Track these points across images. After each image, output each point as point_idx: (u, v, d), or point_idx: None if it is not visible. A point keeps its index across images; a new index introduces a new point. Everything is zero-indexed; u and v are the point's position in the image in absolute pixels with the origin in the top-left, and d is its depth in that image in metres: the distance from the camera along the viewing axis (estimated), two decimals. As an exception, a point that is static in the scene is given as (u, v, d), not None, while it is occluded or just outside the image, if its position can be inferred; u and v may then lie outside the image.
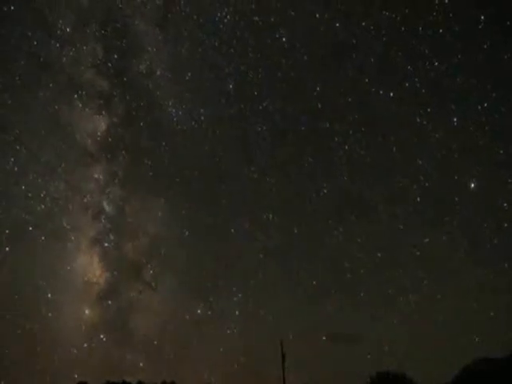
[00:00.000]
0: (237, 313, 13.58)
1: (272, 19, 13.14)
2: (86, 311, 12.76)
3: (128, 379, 11.96)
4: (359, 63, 13.89)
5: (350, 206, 14.33)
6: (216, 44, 12.55)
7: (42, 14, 10.95)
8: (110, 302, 12.90)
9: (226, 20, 12.63)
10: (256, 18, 13.02)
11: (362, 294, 13.62)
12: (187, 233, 13.36)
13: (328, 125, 14.14)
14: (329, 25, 13.65)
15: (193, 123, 12.89)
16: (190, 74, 12.49)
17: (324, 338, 12.16)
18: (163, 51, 12.13)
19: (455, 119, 13.75)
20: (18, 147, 11.36)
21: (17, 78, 10.99)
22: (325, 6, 13.47)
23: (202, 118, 12.94)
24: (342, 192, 14.38)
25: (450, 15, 14.00)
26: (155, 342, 13.11)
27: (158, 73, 12.24)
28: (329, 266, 14.12)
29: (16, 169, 11.35)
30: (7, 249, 11.61)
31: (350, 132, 14.29)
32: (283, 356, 8.58)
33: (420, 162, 14.34)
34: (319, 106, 14.00)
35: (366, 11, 13.59)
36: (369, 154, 14.19)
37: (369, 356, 12.50)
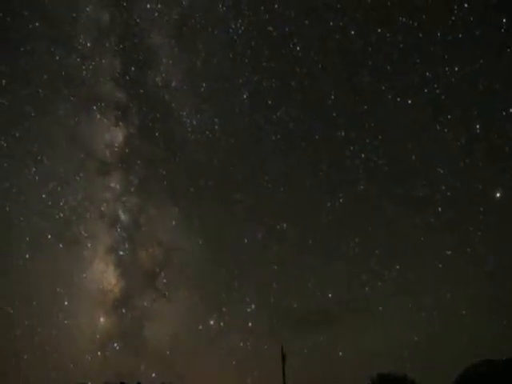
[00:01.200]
0: (250, 324, 13.28)
1: (286, 29, 13.17)
2: (101, 319, 12.85)
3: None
4: (375, 70, 13.62)
5: (367, 216, 13.84)
6: (230, 55, 12.67)
7: (64, 30, 11.42)
8: (124, 311, 12.95)
9: (240, 31, 12.76)
10: (270, 29, 13.08)
11: (380, 308, 13.00)
12: (200, 242, 13.30)
13: (343, 133, 13.87)
14: (344, 33, 13.52)
15: (207, 133, 12.97)
16: (204, 85, 12.63)
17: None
18: (179, 63, 12.37)
19: (478, 126, 13.16)
20: (39, 157, 11.76)
21: (40, 91, 11.44)
22: (339, 14, 13.39)
23: (216, 127, 13.02)
24: (359, 202, 13.96)
25: (471, 19, 13.55)
26: (168, 353, 13.00)
27: (174, 84, 12.45)
28: (345, 278, 13.62)
29: (37, 178, 11.73)
30: (27, 255, 11.91)
31: (367, 140, 13.94)
32: (283, 357, 8.50)
33: (441, 171, 13.76)
34: (334, 114, 13.79)
35: (382, 18, 13.39)
36: (386, 162, 13.76)
37: (370, 357, 11.99)
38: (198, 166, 13.04)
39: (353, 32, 13.51)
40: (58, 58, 11.41)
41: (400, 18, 13.47)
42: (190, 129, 12.76)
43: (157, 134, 12.49)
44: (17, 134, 11.28)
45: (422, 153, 13.86)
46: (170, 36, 12.32)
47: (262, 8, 12.95)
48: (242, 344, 13.23)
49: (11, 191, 11.61)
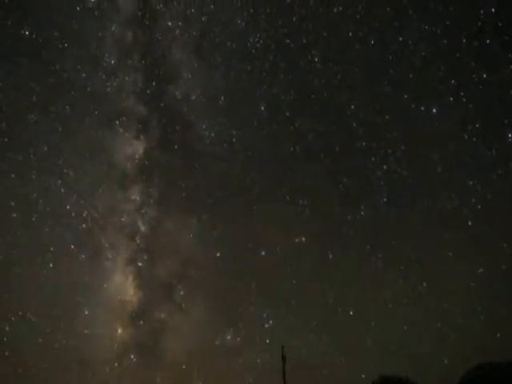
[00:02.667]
0: (267, 341, 12.89)
1: (304, 41, 13.17)
2: (119, 330, 12.92)
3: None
4: (397, 79, 13.27)
5: (390, 230, 13.24)
6: (248, 68, 12.79)
7: (91, 48, 11.97)
8: (141, 323, 12.99)
9: (257, 45, 12.88)
10: (288, 41, 13.12)
11: (405, 327, 12.24)
12: (218, 254, 13.19)
13: (364, 144, 13.50)
14: (363, 42, 13.33)
15: (225, 145, 13.04)
16: (222, 98, 12.77)
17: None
18: (198, 77, 12.61)
19: (510, 135, 12.36)
20: (65, 170, 12.20)
21: (67, 108, 11.97)
22: (358, 24, 13.24)
23: (234, 139, 13.07)
24: (381, 215, 13.40)
25: (499, 24, 12.95)
26: (184, 367, 12.82)
27: (193, 98, 12.68)
28: (367, 295, 12.97)
29: (62, 190, 12.14)
30: (51, 265, 12.26)
31: (389, 151, 13.48)
32: (284, 359, 8.27)
33: (471, 183, 13.02)
34: (354, 124, 13.49)
35: (403, 26, 13.10)
36: (410, 174, 13.20)
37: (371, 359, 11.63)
38: (216, 177, 13.06)
39: (373, 42, 13.28)
40: (84, 75, 11.90)
41: (422, 26, 13.10)
42: (208, 141, 12.87)
43: (176, 147, 12.69)
44: (45, 148, 11.78)
45: (449, 164, 13.19)
46: (189, 51, 12.62)
47: (280, 22, 13.04)
48: (259, 361, 12.81)
49: (38, 202, 12.05)
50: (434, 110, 13.34)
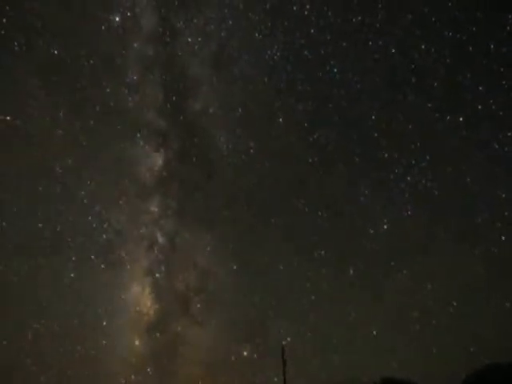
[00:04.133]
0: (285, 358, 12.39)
1: (322, 51, 13.06)
2: (136, 342, 12.91)
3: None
4: (420, 88, 12.81)
5: (416, 244, 12.53)
6: (265, 80, 12.80)
7: (114, 65, 12.47)
8: (158, 335, 12.91)
9: (275, 57, 12.92)
10: (306, 53, 13.05)
11: (434, 350, 11.38)
12: (235, 267, 12.99)
13: (386, 155, 13.03)
14: (384, 51, 13.05)
15: (242, 157, 13.02)
16: (240, 110, 12.83)
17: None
18: (216, 90, 12.78)
19: (546, 142, 11.51)
20: (88, 182, 12.56)
21: (91, 122, 12.41)
22: (378, 32, 12.98)
23: (252, 151, 13.02)
24: (406, 229, 12.76)
25: (529, 28, 12.30)
26: (200, 383, 12.53)
27: (211, 111, 12.83)
28: (392, 314, 12.23)
29: (85, 201, 12.49)
30: (72, 275, 12.51)
31: (413, 162, 12.91)
32: (284, 361, 8.02)
33: (503, 195, 12.16)
34: (375, 134, 13.09)
35: (425, 34, 12.70)
36: (436, 186, 12.55)
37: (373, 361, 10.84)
38: (234, 189, 12.99)
39: (393, 50, 12.95)
40: (108, 90, 12.33)
41: (446, 33, 12.65)
42: (225, 153, 12.90)
43: (194, 159, 12.77)
44: (69, 162, 12.17)
45: (478, 174, 12.42)
46: (208, 65, 12.84)
47: (298, 34, 13.03)
48: (276, 379, 12.31)
49: (63, 213, 12.40)
50: (461, 119, 12.67)
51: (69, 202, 12.83)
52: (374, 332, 12.65)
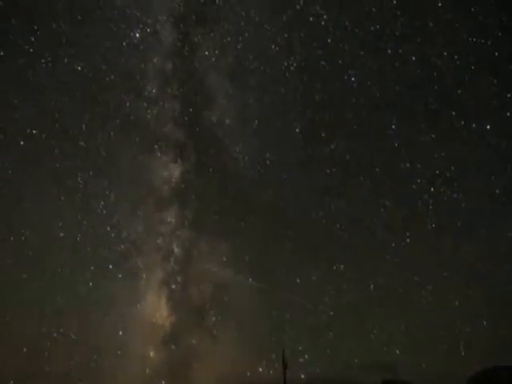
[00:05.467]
0: (302, 376, 11.93)
1: (340, 61, 12.90)
2: (151, 353, 12.83)
3: None
4: (443, 96, 12.33)
5: (442, 259, 11.86)
6: (282, 91, 12.75)
7: (134, 79, 12.82)
8: (173, 347, 12.79)
9: (292, 68, 12.88)
10: (323, 63, 12.93)
11: (461, 373, 10.58)
12: (251, 280, 12.74)
13: (408, 165, 12.56)
14: (404, 59, 12.71)
15: (258, 168, 12.90)
16: (256, 122, 12.80)
17: None
18: (232, 102, 12.85)
19: None
20: (107, 192, 12.82)
21: (111, 134, 12.74)
22: (398, 41, 12.68)
23: (268, 162, 12.90)
24: (430, 242, 12.10)
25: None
26: (213, 399, 12.24)
27: (227, 122, 12.88)
28: (416, 333, 11.53)
29: (104, 212, 12.72)
30: (91, 284, 12.66)
31: (437, 172, 12.33)
32: (285, 364, 7.76)
33: (538, 208, 11.31)
34: (396, 144, 12.66)
35: (448, 40, 12.29)
36: (462, 197, 11.93)
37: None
38: (250, 201, 12.83)
39: (414, 58, 12.56)
40: (128, 104, 12.65)
41: (470, 38, 12.18)
42: (241, 164, 12.85)
43: (210, 170, 12.79)
44: (90, 173, 12.48)
45: (508, 185, 11.64)
46: (225, 77, 12.94)
47: (315, 44, 12.95)
48: (291, 398, 11.80)
49: (83, 223, 12.68)
50: (488, 127, 12.04)
51: (89, 212, 13.07)
52: (397, 351, 11.94)
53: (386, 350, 11.97)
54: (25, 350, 12.14)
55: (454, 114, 12.06)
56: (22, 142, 12.32)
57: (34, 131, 12.54)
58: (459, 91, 12.14)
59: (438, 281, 12.13)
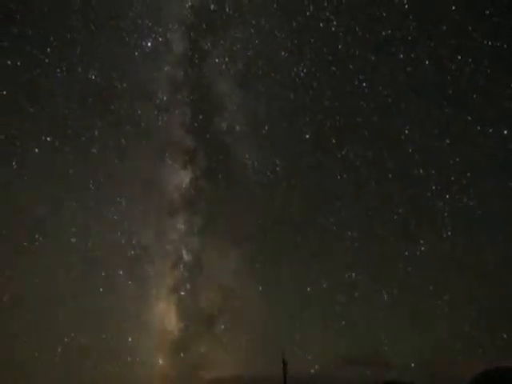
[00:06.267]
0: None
1: (350, 66, 12.76)
2: (160, 361, 12.77)
3: None
4: (458, 100, 12.03)
5: (458, 268, 11.45)
6: (291, 96, 12.70)
7: (146, 88, 13.00)
8: (182, 355, 12.71)
9: (301, 74, 12.83)
10: (333, 69, 12.84)
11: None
12: (261, 288, 12.59)
13: (421, 171, 12.25)
14: (417, 64, 12.51)
15: (268, 174, 12.83)
16: (266, 128, 12.77)
17: None
18: (242, 108, 12.87)
19: None
20: (118, 199, 12.95)
21: (123, 141, 12.90)
22: (411, 45, 12.49)
23: (278, 168, 12.81)
24: (446, 250, 11.73)
25: None
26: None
27: (237, 128, 12.89)
28: (431, 344, 11.11)
29: (116, 217, 12.82)
30: (101, 289, 12.74)
31: (452, 178, 11.99)
32: (285, 364, 7.57)
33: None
34: (409, 150, 12.40)
35: (462, 44, 12.03)
36: (478, 204, 11.53)
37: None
38: (259, 207, 12.74)
39: (427, 62, 12.33)
40: (139, 112, 12.81)
41: (485, 42, 11.89)
42: (251, 170, 12.80)
43: (220, 176, 12.78)
44: (101, 179, 12.63)
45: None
46: (235, 84, 13.00)
47: (325, 50, 12.87)
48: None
49: (94, 229, 12.79)
50: (505, 132, 11.65)
51: (100, 217, 13.17)
52: (412, 364, 11.51)
53: (400, 362, 11.54)
54: (36, 354, 12.19)
55: (469, 118, 11.72)
56: (36, 150, 12.56)
57: (47, 138, 12.77)
58: (474, 95, 11.82)
59: (455, 291, 11.67)
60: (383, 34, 12.52)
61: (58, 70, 12.72)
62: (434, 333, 11.32)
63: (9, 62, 12.37)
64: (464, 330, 11.30)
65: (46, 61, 12.59)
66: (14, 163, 12.49)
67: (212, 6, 12.87)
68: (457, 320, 11.22)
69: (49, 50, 12.58)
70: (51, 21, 12.76)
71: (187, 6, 12.98)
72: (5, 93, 12.49)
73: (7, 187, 12.38)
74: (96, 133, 13.15)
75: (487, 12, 11.73)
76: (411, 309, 11.83)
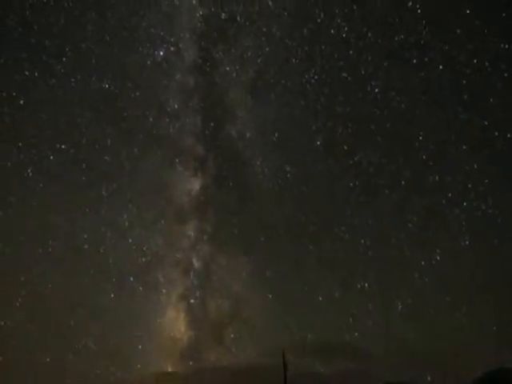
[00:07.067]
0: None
1: (362, 72, 12.62)
2: (169, 369, 12.66)
3: None
4: (474, 105, 11.72)
5: (477, 279, 11.00)
6: (302, 103, 12.62)
7: (157, 95, 13.18)
8: (191, 363, 12.59)
9: (312, 80, 12.75)
10: (344, 74, 12.72)
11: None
12: (271, 296, 12.40)
13: (437, 178, 11.90)
14: (431, 68, 12.25)
15: (279, 181, 12.73)
16: (277, 135, 12.71)
17: None
18: (253, 115, 12.87)
19: None
20: (129, 205, 13.07)
21: (135, 149, 13.06)
22: (424, 50, 12.26)
23: (288, 175, 12.69)
24: (463, 260, 11.29)
25: None
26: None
27: (248, 135, 12.88)
28: (447, 355, 10.64)
29: (126, 224, 12.93)
30: (112, 295, 12.79)
31: (469, 186, 11.60)
32: (285, 365, 7.20)
33: None
34: (423, 157, 12.08)
35: (478, 47, 11.73)
36: (497, 212, 11.12)
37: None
38: (269, 214, 12.61)
39: (441, 66, 12.06)
40: (151, 119, 12.97)
41: (501, 45, 11.56)
42: (261, 177, 12.73)
43: (230, 183, 12.74)
44: (114, 185, 12.78)
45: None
46: (245, 92, 12.99)
47: (336, 56, 12.77)
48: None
49: (106, 235, 12.92)
50: (525, 137, 11.21)
51: (112, 224, 13.26)
52: (429, 378, 11.04)
53: (414, 375, 11.07)
54: (48, 359, 12.26)
55: (486, 123, 11.32)
56: (51, 157, 12.81)
57: (62, 146, 13.00)
58: (491, 100, 11.42)
59: (473, 302, 11.17)
60: (396, 39, 12.34)
61: (73, 80, 13.02)
62: (451, 345, 10.81)
63: (27, 73, 12.71)
64: (485, 343, 10.76)
65: (62, 71, 12.91)
66: (29, 170, 12.71)
67: (223, 15, 12.97)
68: (475, 332, 10.70)
69: (64, 59, 12.89)
70: (68, 32, 13.09)
71: (198, 15, 13.13)
72: (22, 102, 12.81)
73: (22, 194, 12.62)
74: (109, 141, 13.30)
75: (503, 14, 11.40)
76: (427, 320, 11.37)
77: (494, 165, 11.59)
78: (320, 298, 12.12)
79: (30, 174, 12.74)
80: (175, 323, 13.01)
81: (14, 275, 12.29)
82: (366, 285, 12.03)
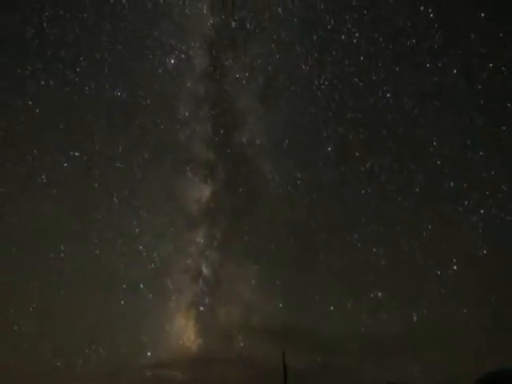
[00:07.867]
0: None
1: (373, 77, 12.48)
2: (179, 376, 12.54)
3: None
4: (490, 110, 11.40)
5: (496, 289, 10.59)
6: (313, 110, 12.54)
7: (168, 103, 13.31)
8: (200, 370, 12.43)
9: (323, 87, 12.67)
10: (355, 80, 12.60)
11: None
12: (281, 305, 12.21)
13: (452, 184, 11.59)
14: (444, 73, 12.02)
15: (289, 188, 12.61)
16: (287, 141, 12.64)
17: None
18: (263, 122, 12.85)
19: None
20: (140, 212, 13.15)
21: (146, 156, 13.19)
22: (437, 54, 12.06)
23: (299, 182, 12.57)
24: (481, 270, 10.90)
25: None
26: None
27: (258, 142, 12.86)
28: (468, 369, 10.23)
29: (137, 230, 13.00)
30: (122, 302, 12.82)
31: (487, 193, 11.26)
32: (285, 366, 7.97)
33: None
34: (438, 162, 11.80)
35: (492, 52, 11.46)
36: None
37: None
38: (280, 221, 12.48)
39: (455, 71, 11.81)
40: (162, 127, 13.08)
41: (518, 48, 11.22)
42: (271, 184, 12.65)
43: (240, 190, 12.70)
44: (125, 192, 12.89)
45: None
46: (255, 98, 13.02)
47: (347, 62, 12.67)
48: None
49: (117, 242, 12.97)
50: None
51: (122, 230, 13.34)
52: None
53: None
54: (58, 364, 12.31)
55: (504, 128, 10.97)
56: (65, 164, 13.01)
57: (76, 153, 13.18)
58: (508, 104, 11.07)
59: (492, 314, 10.71)
60: (408, 43, 12.15)
61: (87, 88, 13.25)
62: (470, 359, 10.37)
63: (42, 83, 13.01)
64: (507, 357, 10.28)
65: (76, 79, 13.15)
66: (43, 176, 12.93)
67: (233, 24, 13.05)
68: (495, 346, 10.23)
69: (79, 69, 13.14)
70: (82, 42, 13.37)
71: (209, 23, 13.25)
72: (38, 111, 13.08)
73: (36, 199, 12.81)
74: (120, 148, 13.43)
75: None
76: (443, 333, 10.94)
77: (510, 172, 11.17)
78: (331, 308, 11.82)
79: (44, 181, 12.92)
80: (184, 331, 12.93)
81: (26, 281, 12.41)
82: (379, 294, 11.68)
